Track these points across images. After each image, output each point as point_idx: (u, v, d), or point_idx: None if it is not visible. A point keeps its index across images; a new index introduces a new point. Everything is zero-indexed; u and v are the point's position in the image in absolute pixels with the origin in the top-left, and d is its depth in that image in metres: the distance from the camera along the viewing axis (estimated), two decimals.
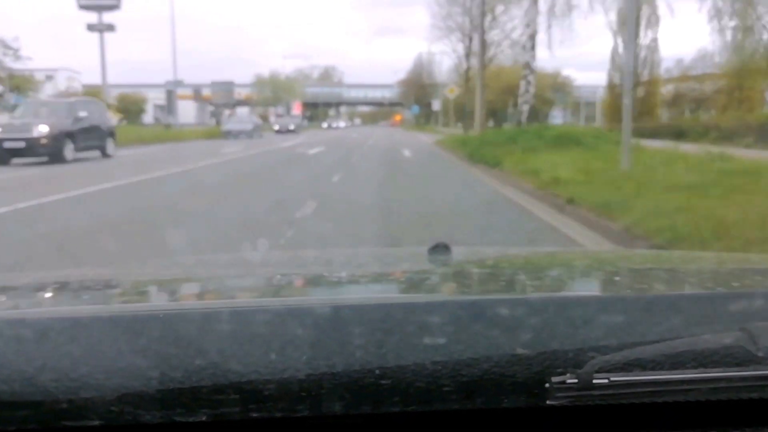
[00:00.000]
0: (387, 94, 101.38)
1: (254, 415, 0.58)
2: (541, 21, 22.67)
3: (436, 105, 60.34)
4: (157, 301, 0.93)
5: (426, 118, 78.32)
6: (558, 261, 1.37)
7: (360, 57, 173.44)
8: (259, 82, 78.04)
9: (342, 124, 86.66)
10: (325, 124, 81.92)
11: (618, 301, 0.69)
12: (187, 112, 60.87)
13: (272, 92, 76.66)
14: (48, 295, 0.95)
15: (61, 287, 0.99)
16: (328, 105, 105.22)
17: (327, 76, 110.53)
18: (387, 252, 2.01)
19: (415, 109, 73.86)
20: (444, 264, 1.13)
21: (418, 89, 74.81)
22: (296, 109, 77.97)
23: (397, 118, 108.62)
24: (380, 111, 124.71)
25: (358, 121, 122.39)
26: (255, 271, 1.22)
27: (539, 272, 1.17)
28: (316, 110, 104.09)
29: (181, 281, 1.11)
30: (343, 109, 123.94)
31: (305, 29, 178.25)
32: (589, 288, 1.02)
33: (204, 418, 0.57)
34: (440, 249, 1.11)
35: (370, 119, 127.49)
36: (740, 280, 1.02)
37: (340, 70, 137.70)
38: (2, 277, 1.17)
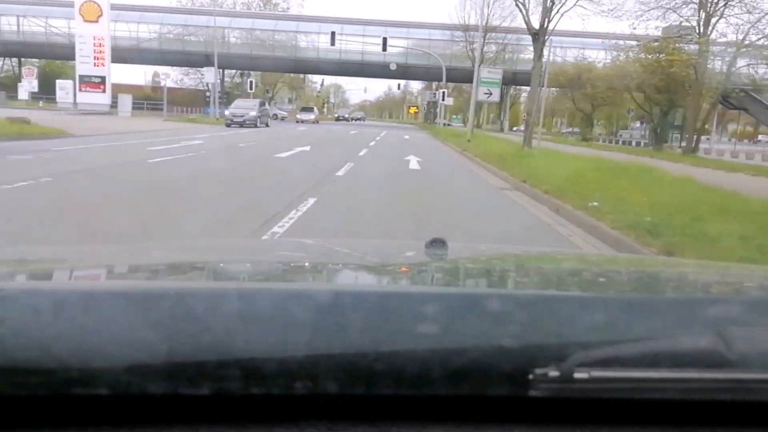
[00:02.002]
0: (400, 48, 42.38)
1: (254, 391, 0.60)
2: None
3: None
4: (169, 280, 0.95)
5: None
6: (548, 261, 1.40)
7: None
8: None
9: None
10: None
11: (601, 301, 0.71)
12: None
13: None
14: (65, 269, 0.98)
15: (77, 262, 1.01)
16: (242, 71, 51.26)
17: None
18: (387, 244, 2.04)
19: None
20: (440, 258, 1.16)
21: None
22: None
23: (412, 110, 69.33)
24: (386, 101, 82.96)
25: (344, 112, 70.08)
26: (262, 256, 1.26)
27: (529, 270, 1.20)
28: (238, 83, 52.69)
29: (191, 262, 1.13)
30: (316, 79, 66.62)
31: None
32: (575, 287, 1.04)
33: (207, 392, 0.60)
34: (437, 244, 1.15)
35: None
36: (718, 286, 1.06)
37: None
38: (22, 251, 1.20)
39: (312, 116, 52.71)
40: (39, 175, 8.48)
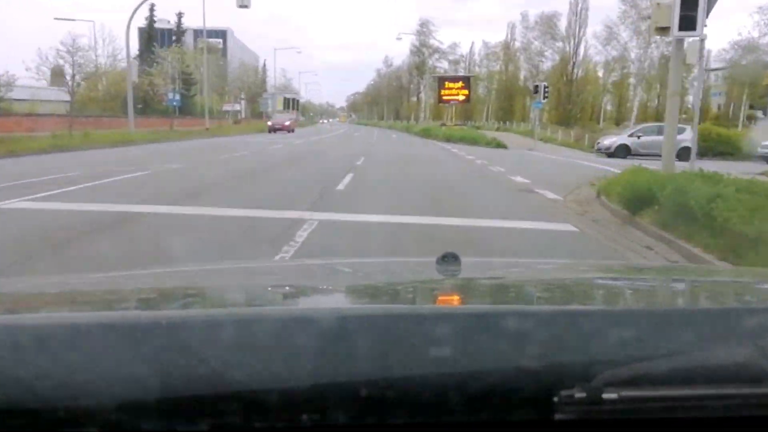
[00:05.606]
0: None
1: (257, 425, 0.58)
2: None
3: None
4: (159, 309, 0.92)
5: None
6: (568, 273, 1.36)
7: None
8: None
9: None
10: None
11: (629, 315, 0.69)
12: None
13: None
14: (47, 300, 0.95)
15: (60, 293, 0.98)
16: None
17: None
18: (395, 262, 2.01)
19: None
20: (452, 274, 1.13)
21: None
22: None
23: (453, 91, 46.03)
24: (381, 85, 62.26)
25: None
26: (259, 279, 1.22)
27: (548, 284, 1.17)
28: None
29: (183, 289, 1.11)
30: None
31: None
32: (599, 301, 1.02)
33: (205, 428, 0.57)
34: (449, 259, 1.11)
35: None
36: (755, 294, 1.01)
37: None
38: (1, 282, 1.18)
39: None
40: None
